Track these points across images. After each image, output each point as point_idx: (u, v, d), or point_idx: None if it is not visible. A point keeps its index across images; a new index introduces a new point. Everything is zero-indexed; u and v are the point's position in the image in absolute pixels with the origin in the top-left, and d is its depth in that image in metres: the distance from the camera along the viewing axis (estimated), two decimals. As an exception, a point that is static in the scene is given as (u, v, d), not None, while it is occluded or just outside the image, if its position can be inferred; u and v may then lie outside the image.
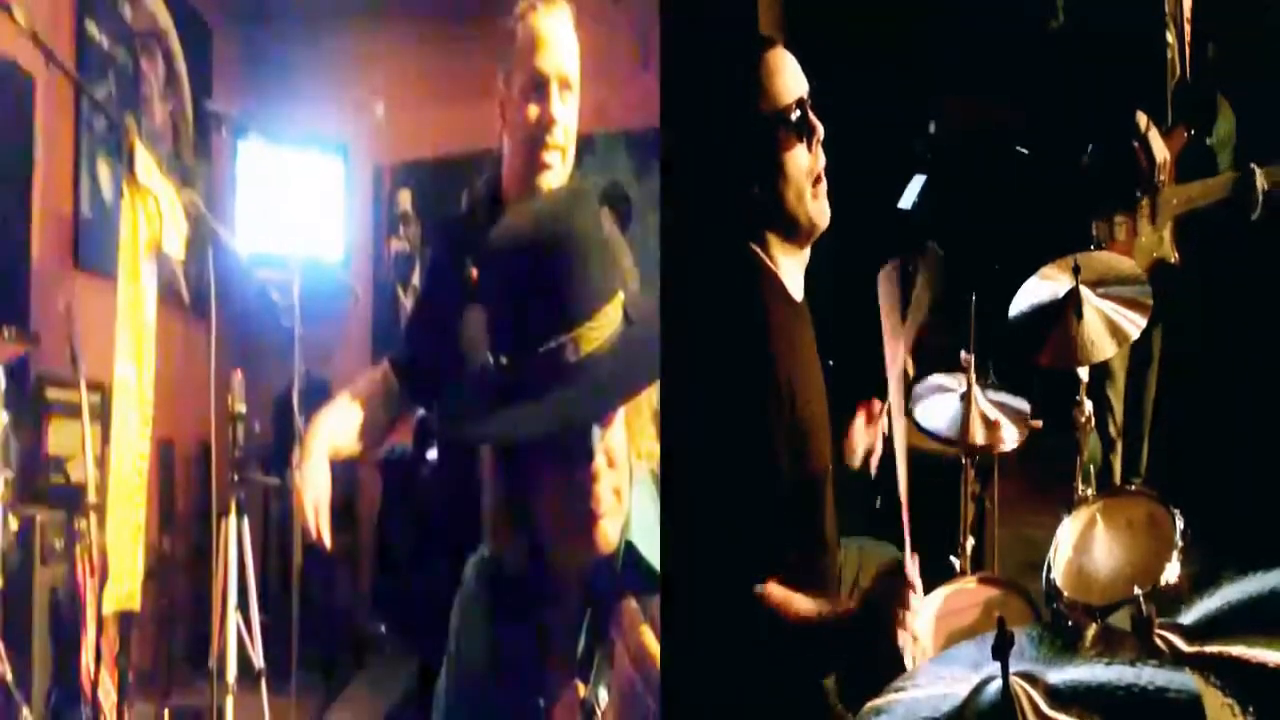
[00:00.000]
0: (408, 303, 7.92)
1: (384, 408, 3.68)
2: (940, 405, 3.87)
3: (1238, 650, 2.16)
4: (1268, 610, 2.22)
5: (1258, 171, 4.49)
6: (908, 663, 2.90)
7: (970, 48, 5.41)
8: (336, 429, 3.52)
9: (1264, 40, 4.96)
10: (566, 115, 3.42)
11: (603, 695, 2.09)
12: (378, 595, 7.16)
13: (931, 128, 5.76)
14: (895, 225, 5.42)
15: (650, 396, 2.36)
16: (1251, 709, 1.93)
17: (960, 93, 5.70)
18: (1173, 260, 4.70)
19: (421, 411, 4.60)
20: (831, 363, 3.18)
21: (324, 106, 7.88)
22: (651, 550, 2.35)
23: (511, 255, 2.28)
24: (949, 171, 5.50)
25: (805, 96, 2.94)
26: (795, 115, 2.91)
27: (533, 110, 3.38)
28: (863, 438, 3.51)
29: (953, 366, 3.95)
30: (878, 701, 2.11)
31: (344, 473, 3.61)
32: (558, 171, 3.43)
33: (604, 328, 2.23)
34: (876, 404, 3.48)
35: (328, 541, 3.34)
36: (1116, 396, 4.94)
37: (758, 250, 2.96)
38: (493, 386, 2.27)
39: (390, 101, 8.07)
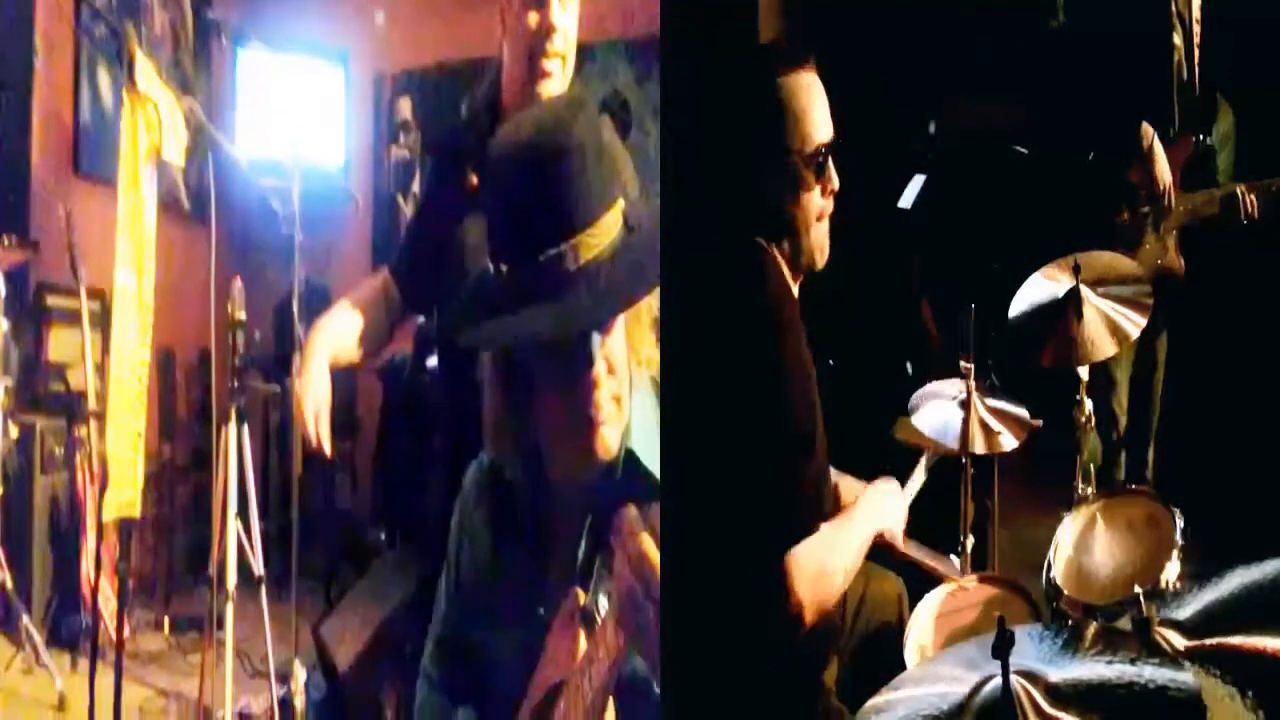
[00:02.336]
0: (408, 210, 7.90)
1: (384, 315, 3.69)
2: (940, 412, 3.86)
3: (1235, 640, 2.16)
4: (1261, 600, 2.23)
5: (1239, 193, 4.62)
6: (908, 662, 2.92)
7: (970, 48, 5.39)
8: (337, 336, 3.53)
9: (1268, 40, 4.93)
10: (567, 22, 3.40)
11: (603, 603, 2.09)
12: (378, 502, 7.20)
13: (931, 128, 5.75)
14: (895, 225, 5.42)
15: (650, 304, 2.36)
16: (1250, 694, 1.93)
17: (960, 93, 5.69)
18: (1177, 268, 4.76)
19: (421, 319, 4.60)
20: (831, 362, 3.17)
21: (324, 14, 7.84)
22: (652, 457, 2.36)
23: (511, 163, 2.27)
24: (949, 171, 5.49)
25: (830, 141, 2.88)
26: (819, 160, 2.86)
27: (533, 18, 3.37)
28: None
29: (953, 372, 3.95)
30: (877, 700, 2.12)
31: (344, 380, 3.62)
32: (558, 79, 3.42)
33: (604, 235, 2.23)
34: None
35: (328, 448, 3.36)
36: (1119, 400, 4.93)
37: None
38: (492, 294, 2.27)
39: (390, 9, 8.03)
